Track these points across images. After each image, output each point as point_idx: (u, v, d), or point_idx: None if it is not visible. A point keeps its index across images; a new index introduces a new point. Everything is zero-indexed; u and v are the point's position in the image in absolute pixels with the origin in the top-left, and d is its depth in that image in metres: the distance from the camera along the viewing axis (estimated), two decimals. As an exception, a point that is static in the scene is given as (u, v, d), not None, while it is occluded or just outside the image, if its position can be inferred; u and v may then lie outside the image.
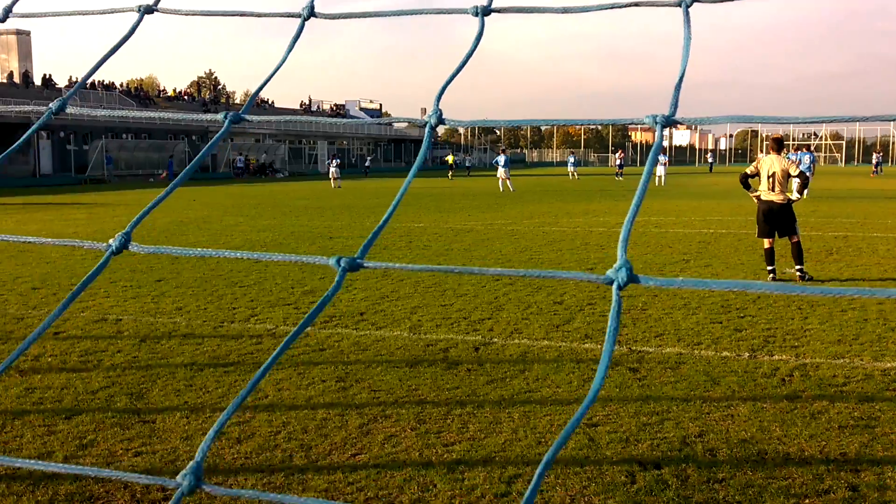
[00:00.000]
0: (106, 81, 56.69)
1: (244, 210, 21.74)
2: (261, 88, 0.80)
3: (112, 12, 0.79)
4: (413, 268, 0.69)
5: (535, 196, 27.90)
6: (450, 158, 51.79)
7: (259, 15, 0.83)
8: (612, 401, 4.96)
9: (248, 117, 0.78)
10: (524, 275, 0.63)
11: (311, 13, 0.82)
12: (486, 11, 0.77)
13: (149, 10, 0.80)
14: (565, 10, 0.73)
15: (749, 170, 9.47)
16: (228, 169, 55.13)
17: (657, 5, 0.70)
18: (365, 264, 0.71)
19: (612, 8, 0.71)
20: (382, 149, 78.79)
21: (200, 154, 0.78)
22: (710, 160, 67.16)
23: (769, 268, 9.31)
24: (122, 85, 59.21)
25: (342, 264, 0.72)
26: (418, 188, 35.32)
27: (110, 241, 0.71)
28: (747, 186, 9.44)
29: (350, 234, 14.77)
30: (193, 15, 0.78)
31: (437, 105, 0.78)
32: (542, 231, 15.23)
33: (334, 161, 37.31)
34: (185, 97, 65.24)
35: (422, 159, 0.78)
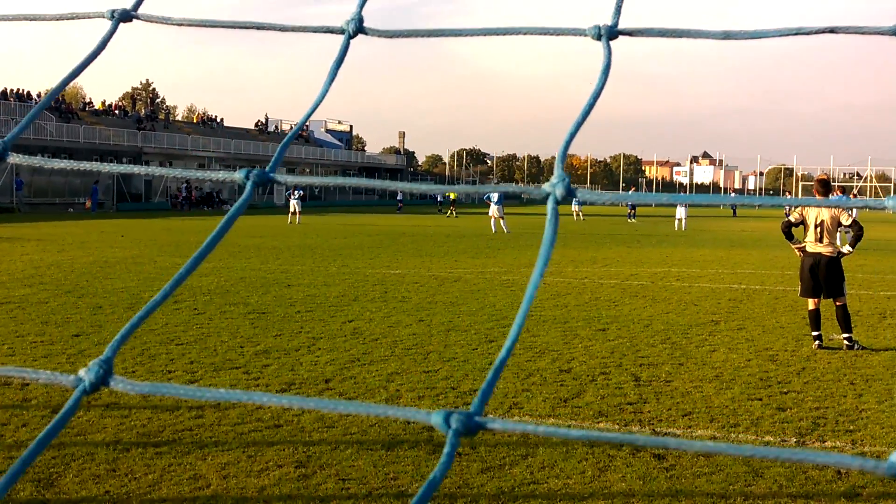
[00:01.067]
0: (20, 90, 56.62)
1: (183, 248, 21.56)
2: (294, 134, 0.72)
3: (74, 18, 0.70)
4: (553, 432, 0.59)
5: (533, 239, 28.05)
6: (452, 193, 51.73)
7: (285, 29, 0.74)
8: (634, 496, 4.84)
9: (278, 177, 0.69)
10: (749, 454, 0.54)
11: (360, 28, 0.73)
12: (612, 34, 0.69)
13: (126, 16, 0.70)
14: (727, 37, 0.66)
15: (793, 217, 9.55)
16: (165, 198, 54.93)
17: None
18: (488, 425, 0.59)
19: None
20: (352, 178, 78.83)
21: (216, 231, 0.69)
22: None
23: (814, 333, 9.33)
24: (39, 95, 59.16)
25: (453, 424, 0.60)
26: (394, 225, 35.36)
27: (80, 372, 0.62)
28: (790, 237, 9.51)
29: (312, 281, 14.65)
30: (189, 26, 0.69)
31: (562, 167, 0.70)
32: (543, 282, 15.21)
33: (296, 192, 37.47)
34: (116, 111, 65.34)
35: (550, 246, 0.67)
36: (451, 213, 50.00)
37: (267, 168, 0.70)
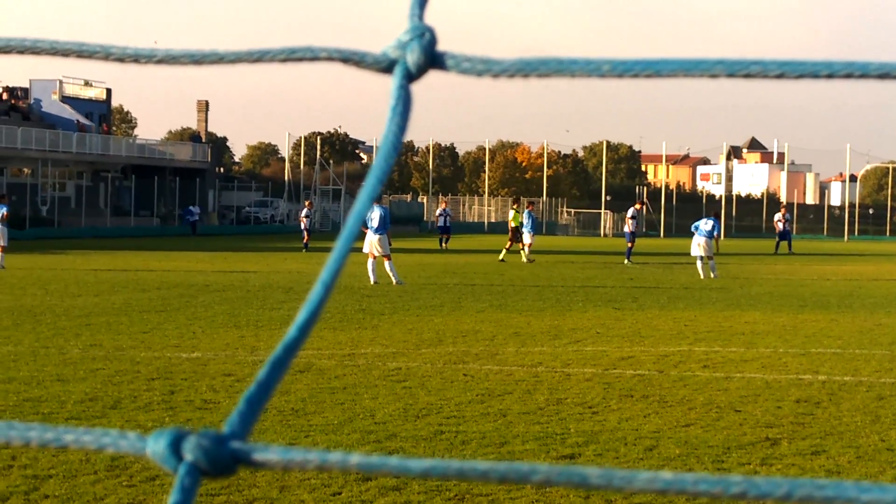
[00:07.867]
0: None
1: None
2: None
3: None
4: (376, 465, 0.43)
5: (460, 294, 17.01)
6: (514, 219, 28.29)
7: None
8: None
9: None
10: None
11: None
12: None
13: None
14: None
15: None
16: None
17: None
18: (254, 455, 0.46)
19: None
20: (112, 184, 49.94)
21: None
22: (781, 225, 36.72)
23: None
24: None
25: (189, 455, 0.46)
26: (192, 272, 20.91)
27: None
28: None
29: (35, 374, 8.51)
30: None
31: (421, 14, 0.43)
32: (465, 374, 10.07)
33: None
34: None
35: (392, 151, 0.41)
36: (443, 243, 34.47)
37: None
